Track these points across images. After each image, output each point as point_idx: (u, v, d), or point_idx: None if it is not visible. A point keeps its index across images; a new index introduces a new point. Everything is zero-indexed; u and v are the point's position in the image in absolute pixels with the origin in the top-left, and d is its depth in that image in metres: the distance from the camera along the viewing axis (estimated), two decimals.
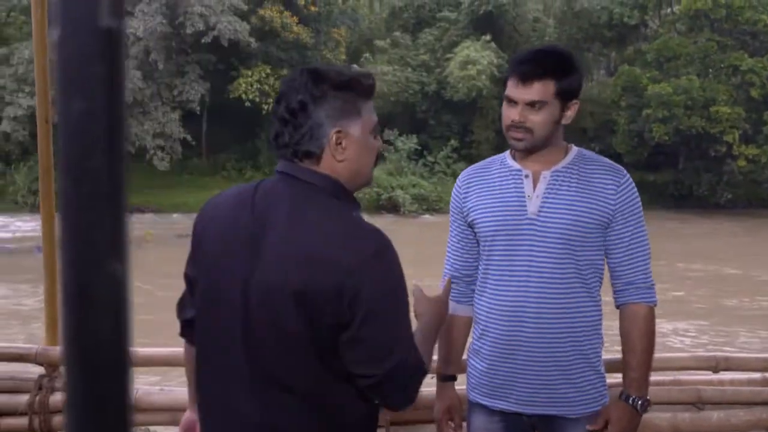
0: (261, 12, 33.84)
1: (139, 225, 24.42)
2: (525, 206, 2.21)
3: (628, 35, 36.81)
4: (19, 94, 30.57)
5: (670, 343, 10.70)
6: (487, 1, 34.91)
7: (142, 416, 3.43)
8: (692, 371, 3.36)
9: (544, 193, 2.20)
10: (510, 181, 2.26)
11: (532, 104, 2.14)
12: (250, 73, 33.58)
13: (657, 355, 3.49)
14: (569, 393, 2.21)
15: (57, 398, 3.41)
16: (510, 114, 2.17)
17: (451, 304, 2.19)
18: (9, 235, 24.15)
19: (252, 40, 32.62)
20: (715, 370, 3.27)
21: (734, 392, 3.20)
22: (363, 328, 1.62)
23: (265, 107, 33.16)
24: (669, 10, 37.08)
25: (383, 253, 1.67)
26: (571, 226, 2.15)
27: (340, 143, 1.74)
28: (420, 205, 31.79)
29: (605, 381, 2.29)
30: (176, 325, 2.00)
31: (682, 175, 34.83)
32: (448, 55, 34.89)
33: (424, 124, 35.62)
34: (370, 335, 1.64)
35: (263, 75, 33.60)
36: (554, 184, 2.20)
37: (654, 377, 3.31)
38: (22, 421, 3.39)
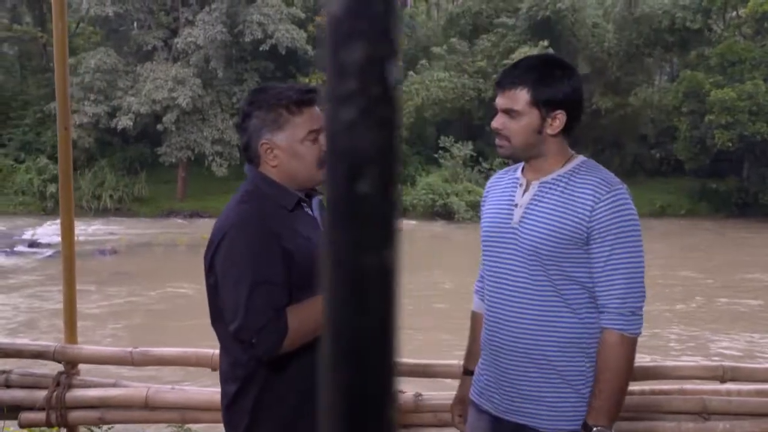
0: (318, 20, 34.21)
1: (197, 229, 24.91)
2: (512, 215, 2.23)
3: (690, 40, 35.97)
4: (85, 102, 31.54)
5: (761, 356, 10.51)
6: (545, 6, 34.54)
7: (155, 414, 3.54)
8: (699, 381, 3.31)
9: (528, 203, 2.20)
10: (510, 190, 2.30)
11: (507, 112, 2.16)
12: (306, 80, 33.94)
13: (662, 363, 3.46)
14: (540, 407, 2.19)
15: (74, 394, 3.55)
16: (493, 121, 2.20)
17: (476, 302, 2.49)
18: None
19: (309, 47, 33.01)
20: (722, 380, 3.21)
21: (740, 403, 3.15)
22: (221, 292, 2.06)
23: None
24: (734, 13, 36.11)
25: (230, 233, 2.04)
26: (543, 239, 2.13)
27: (270, 151, 2.16)
28: (475, 212, 31.61)
29: (586, 401, 2.15)
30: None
31: (747, 182, 33.85)
32: (505, 61, 34.60)
33: (480, 131, 35.42)
34: (223, 299, 2.06)
35: (320, 82, 33.87)
36: (539, 195, 2.19)
37: (660, 386, 3.28)
38: (41, 416, 3.53)
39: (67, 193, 3.59)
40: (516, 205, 2.24)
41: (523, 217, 2.20)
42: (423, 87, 34.10)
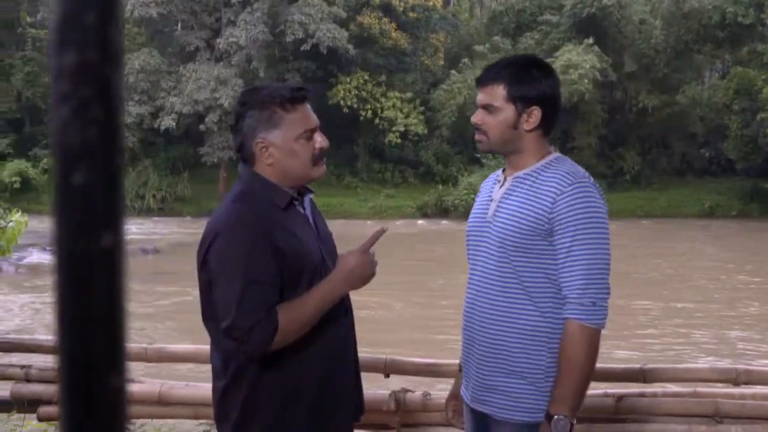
0: (360, 19, 34.38)
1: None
2: (488, 210, 2.32)
3: (742, 35, 35.19)
4: (129, 103, 32.17)
5: None
6: (590, 3, 34.15)
7: (168, 410, 3.62)
8: (713, 383, 3.27)
9: (501, 198, 2.28)
10: (491, 186, 2.40)
11: (485, 108, 2.25)
12: (348, 79, 34.15)
13: (675, 365, 3.42)
14: (499, 397, 2.25)
15: None
16: (472, 117, 2.29)
17: None
18: None
19: (350, 46, 33.17)
20: (736, 383, 3.17)
21: (755, 406, 3.10)
22: (213, 290, 2.11)
23: (363, 114, 33.63)
24: None
25: (223, 232, 2.09)
26: (510, 232, 2.20)
27: (265, 150, 2.18)
28: None
29: (547, 394, 2.18)
30: None
31: None
32: (549, 59, 34.26)
33: None
34: (215, 297, 2.10)
35: (361, 81, 34.11)
36: (511, 189, 2.26)
37: (672, 388, 3.26)
38: (55, 410, 3.62)
39: None
40: (492, 200, 2.32)
41: (495, 211, 2.27)
42: (465, 86, 33.97)
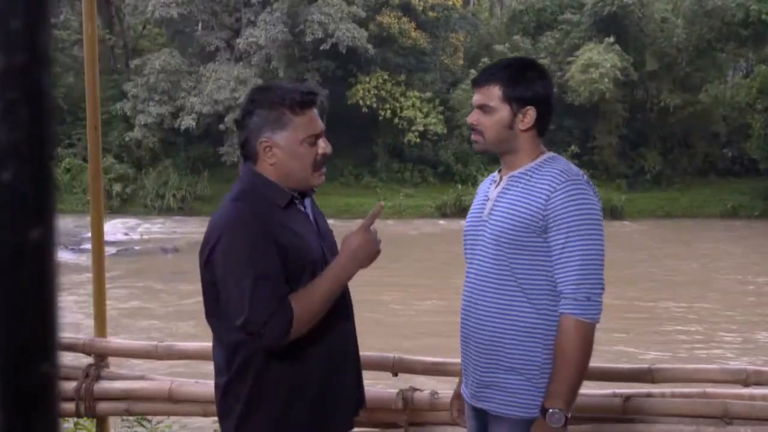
0: (379, 18, 34.39)
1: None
2: (485, 209, 2.36)
3: (766, 34, 34.80)
4: (149, 103, 32.42)
5: None
6: (611, 2, 33.92)
7: (178, 407, 3.65)
8: (722, 384, 3.25)
9: (496, 197, 2.32)
10: (488, 186, 2.45)
11: (482, 108, 2.29)
12: (367, 79, 34.17)
13: (684, 366, 3.40)
14: (495, 393, 2.28)
15: (102, 386, 3.69)
16: (468, 117, 2.35)
17: None
18: (137, 236, 25.64)
19: (370, 46, 33.18)
20: (745, 384, 3.15)
21: (764, 408, 3.09)
22: (222, 290, 2.13)
23: (382, 113, 33.64)
24: None
25: (227, 232, 2.12)
26: (505, 229, 2.23)
27: (269, 149, 2.21)
28: None
29: (543, 390, 2.22)
30: None
31: None
32: (570, 59, 34.21)
33: None
34: (225, 296, 2.13)
35: (380, 81, 34.12)
36: (506, 188, 2.30)
37: (682, 389, 3.24)
38: (70, 406, 3.69)
39: (96, 191, 3.74)
40: (488, 200, 2.36)
41: (491, 209, 2.31)
42: None
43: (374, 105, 33.61)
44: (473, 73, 35.11)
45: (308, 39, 32.62)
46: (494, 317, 2.25)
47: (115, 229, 27.31)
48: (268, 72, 33.31)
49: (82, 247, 23.54)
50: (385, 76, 34.24)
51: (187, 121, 32.10)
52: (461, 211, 31.84)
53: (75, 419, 3.90)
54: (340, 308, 2.24)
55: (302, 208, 2.30)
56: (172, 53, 33.67)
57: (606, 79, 32.17)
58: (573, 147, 33.67)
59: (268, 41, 32.42)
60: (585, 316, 2.14)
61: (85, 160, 34.07)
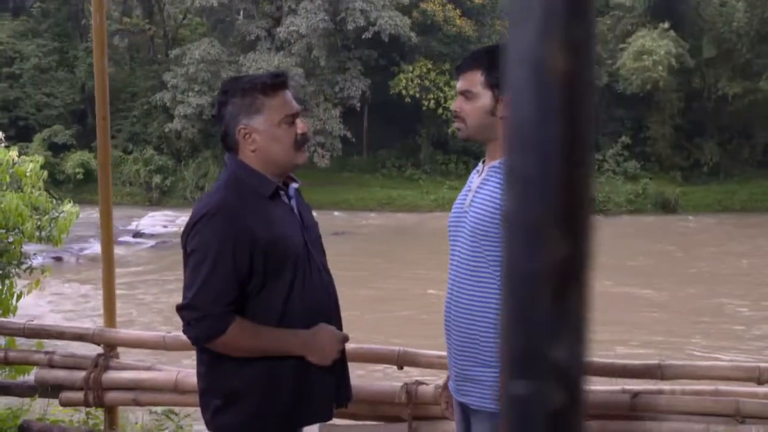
0: (422, 5, 34.31)
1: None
2: (466, 199, 2.39)
3: None
4: (189, 93, 32.86)
5: None
6: None
7: (184, 397, 3.74)
8: (735, 382, 3.22)
9: (477, 188, 2.35)
10: (473, 175, 2.47)
11: (464, 94, 2.32)
12: (411, 68, 34.14)
13: (695, 362, 3.38)
14: (471, 385, 2.31)
15: (110, 376, 3.80)
16: (452, 105, 2.38)
17: None
18: (175, 229, 26.03)
19: (413, 34, 33.14)
20: (759, 382, 3.12)
21: None
22: (184, 270, 2.23)
23: (426, 103, 33.58)
24: None
25: (200, 220, 2.18)
26: (481, 222, 2.25)
27: (248, 136, 2.27)
28: None
29: None
30: None
31: None
32: (622, 46, 33.70)
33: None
34: (184, 276, 2.22)
35: (424, 70, 34.06)
36: (486, 178, 2.33)
37: (694, 387, 3.22)
38: (80, 395, 3.81)
39: (106, 181, 3.84)
40: (470, 190, 2.38)
41: (472, 200, 2.33)
42: None
43: (417, 95, 33.56)
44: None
45: (350, 27, 32.72)
46: (470, 311, 2.27)
47: (154, 221, 27.83)
48: (308, 61, 33.51)
49: (120, 239, 24.07)
50: (429, 65, 34.17)
51: None
52: None
53: (86, 409, 4.01)
54: (322, 309, 2.29)
55: (286, 200, 2.35)
56: (212, 43, 34.06)
57: (660, 67, 31.62)
58: (624, 138, 33.21)
59: (309, 30, 32.60)
60: None
61: (125, 151, 34.80)
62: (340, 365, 2.40)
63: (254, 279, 2.18)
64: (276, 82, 2.30)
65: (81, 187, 31.07)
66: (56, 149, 33.83)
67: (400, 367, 3.54)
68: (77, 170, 32.78)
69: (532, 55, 0.39)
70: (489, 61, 2.28)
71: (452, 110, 2.35)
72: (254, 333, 2.19)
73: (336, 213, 30.01)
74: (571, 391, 0.43)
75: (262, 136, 2.27)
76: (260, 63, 32.76)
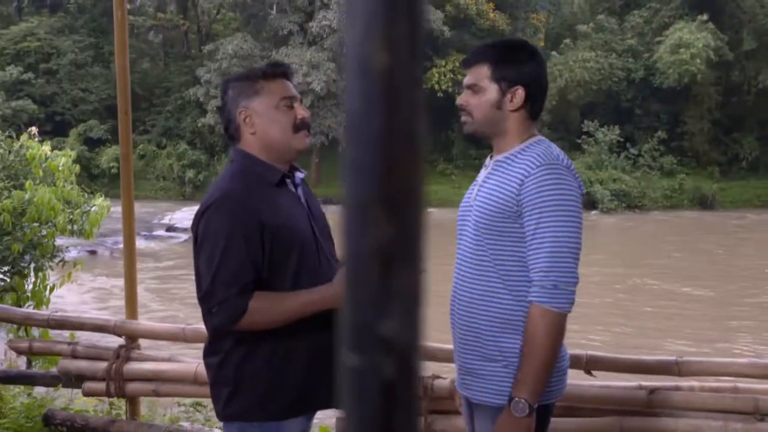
0: None
1: (329, 216, 25.57)
2: (473, 193, 2.39)
3: None
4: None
5: None
6: None
7: (204, 389, 3.79)
8: (753, 379, 3.19)
9: (482, 181, 2.34)
10: (482, 169, 2.45)
11: (470, 88, 2.32)
12: (443, 62, 34.09)
13: (712, 359, 3.34)
14: (472, 379, 2.31)
15: (131, 367, 3.87)
16: (458, 99, 2.36)
17: None
18: None
19: (446, 28, 33.07)
20: None
21: None
22: (195, 261, 2.26)
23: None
24: None
25: (208, 209, 2.23)
26: (484, 215, 2.25)
27: (248, 119, 2.32)
28: (620, 202, 30.69)
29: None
30: None
31: None
32: (658, 39, 33.32)
33: (629, 114, 34.29)
34: (196, 267, 2.25)
35: (457, 65, 33.94)
36: (491, 172, 2.31)
37: (711, 383, 3.20)
38: (101, 386, 3.88)
39: (128, 174, 3.91)
40: (476, 184, 2.38)
41: (477, 194, 2.33)
42: (566, 68, 33.36)
43: (450, 89, 33.48)
44: (555, 55, 34.66)
45: None
46: (473, 304, 2.28)
47: (187, 215, 28.11)
48: (342, 55, 33.50)
49: (154, 233, 24.37)
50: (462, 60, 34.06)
51: None
52: None
53: (109, 399, 4.09)
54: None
55: (292, 188, 2.38)
56: (245, 38, 34.30)
57: (698, 60, 31.21)
58: (660, 133, 32.83)
59: (342, 24, 32.61)
60: (552, 305, 2.14)
61: (158, 146, 35.22)
62: None
63: (264, 265, 2.21)
64: (276, 71, 2.36)
65: (115, 181, 31.33)
66: (91, 144, 34.34)
67: None
68: (112, 164, 33.22)
69: (358, 52, 0.43)
70: (495, 55, 2.29)
71: (457, 104, 2.34)
72: (276, 300, 2.21)
73: None
74: (402, 364, 0.45)
75: (261, 118, 2.32)
76: (293, 57, 32.92)
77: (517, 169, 2.22)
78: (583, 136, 32.74)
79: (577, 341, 9.26)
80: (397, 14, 0.44)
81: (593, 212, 29.71)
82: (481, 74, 2.29)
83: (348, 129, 0.45)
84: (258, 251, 2.19)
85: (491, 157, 2.40)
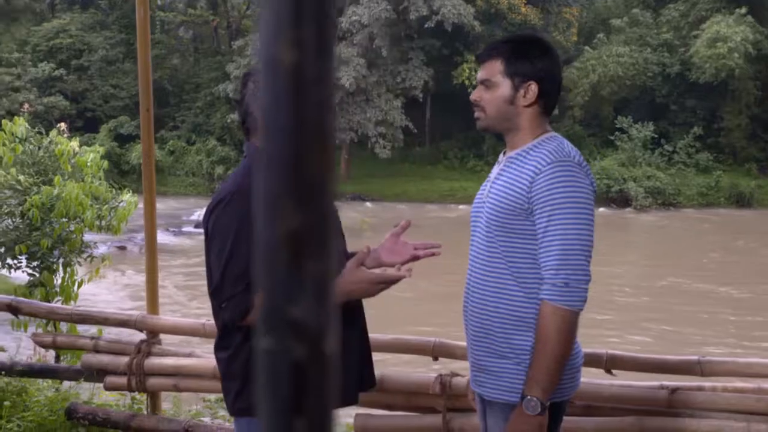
0: None
1: (357, 213, 25.68)
2: (485, 190, 2.41)
3: None
4: None
5: None
6: None
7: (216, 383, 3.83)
8: None
9: (495, 178, 2.35)
10: (495, 166, 2.47)
11: (484, 83, 2.33)
12: (474, 58, 33.93)
13: (735, 359, 3.31)
14: (485, 376, 2.32)
15: (152, 362, 3.92)
16: (472, 94, 2.37)
17: None
18: None
19: (476, 23, 32.96)
20: None
21: None
22: (207, 255, 2.32)
23: None
24: None
25: (218, 204, 2.27)
26: (496, 212, 2.26)
27: None
28: (654, 199, 30.39)
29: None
30: None
31: None
32: (695, 32, 32.90)
33: (663, 110, 33.92)
34: (208, 262, 2.29)
35: None
36: (504, 169, 2.32)
37: (735, 384, 3.17)
38: (123, 380, 3.94)
39: (149, 172, 3.96)
40: (489, 180, 2.39)
41: (489, 191, 2.34)
42: (600, 63, 33.09)
43: None
44: (588, 50, 34.40)
45: (412, 17, 32.71)
46: (484, 301, 2.28)
47: None
48: (371, 51, 33.64)
49: (182, 229, 24.62)
50: None
51: None
52: None
53: (131, 393, 4.15)
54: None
55: None
56: None
57: (736, 54, 30.75)
58: (696, 129, 32.44)
59: (372, 19, 32.71)
60: (563, 303, 2.13)
61: (188, 142, 35.53)
62: (361, 349, 2.45)
63: None
64: None
65: None
66: (122, 140, 34.74)
67: (435, 358, 3.57)
68: (141, 161, 33.60)
69: (268, 50, 0.47)
70: (509, 50, 2.29)
71: (471, 100, 2.36)
72: None
73: (399, 205, 30.08)
74: (312, 347, 0.48)
75: None
76: None
77: (528, 166, 2.22)
78: (617, 133, 32.44)
79: (606, 340, 9.22)
80: (304, 14, 0.47)
81: (627, 210, 29.48)
82: (494, 69, 2.29)
83: (262, 122, 0.48)
84: None
85: (504, 153, 2.40)
